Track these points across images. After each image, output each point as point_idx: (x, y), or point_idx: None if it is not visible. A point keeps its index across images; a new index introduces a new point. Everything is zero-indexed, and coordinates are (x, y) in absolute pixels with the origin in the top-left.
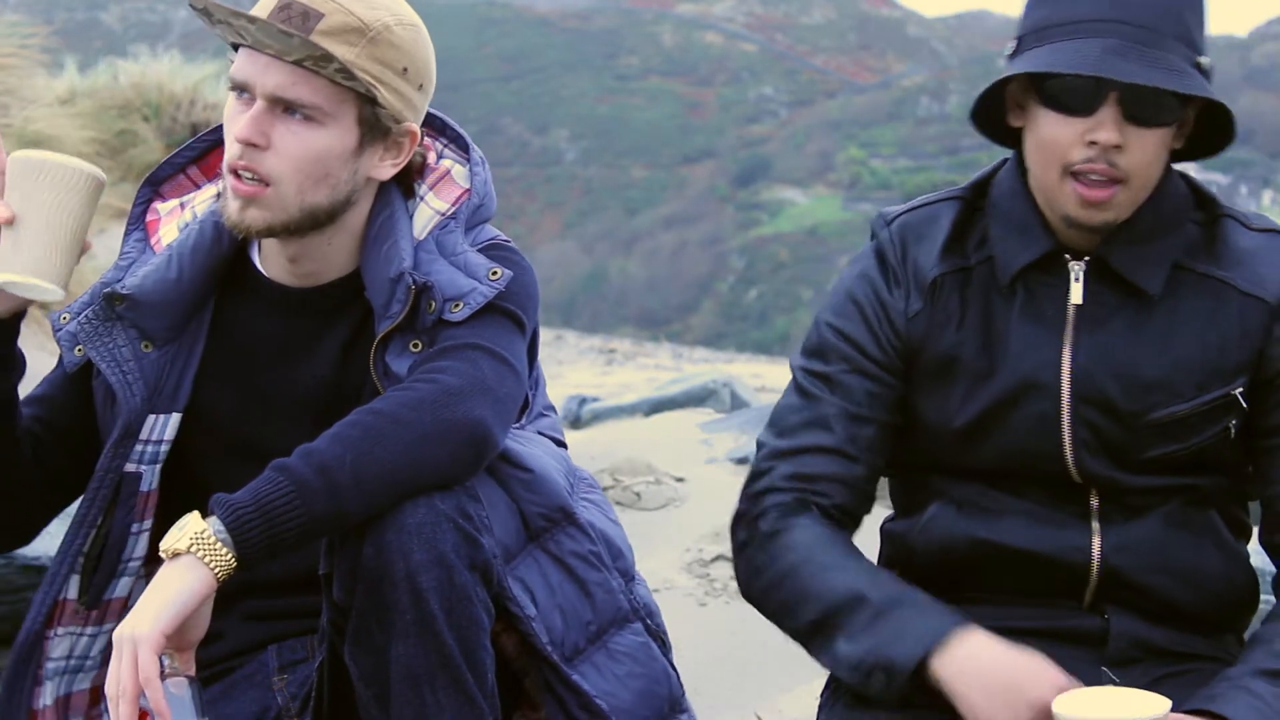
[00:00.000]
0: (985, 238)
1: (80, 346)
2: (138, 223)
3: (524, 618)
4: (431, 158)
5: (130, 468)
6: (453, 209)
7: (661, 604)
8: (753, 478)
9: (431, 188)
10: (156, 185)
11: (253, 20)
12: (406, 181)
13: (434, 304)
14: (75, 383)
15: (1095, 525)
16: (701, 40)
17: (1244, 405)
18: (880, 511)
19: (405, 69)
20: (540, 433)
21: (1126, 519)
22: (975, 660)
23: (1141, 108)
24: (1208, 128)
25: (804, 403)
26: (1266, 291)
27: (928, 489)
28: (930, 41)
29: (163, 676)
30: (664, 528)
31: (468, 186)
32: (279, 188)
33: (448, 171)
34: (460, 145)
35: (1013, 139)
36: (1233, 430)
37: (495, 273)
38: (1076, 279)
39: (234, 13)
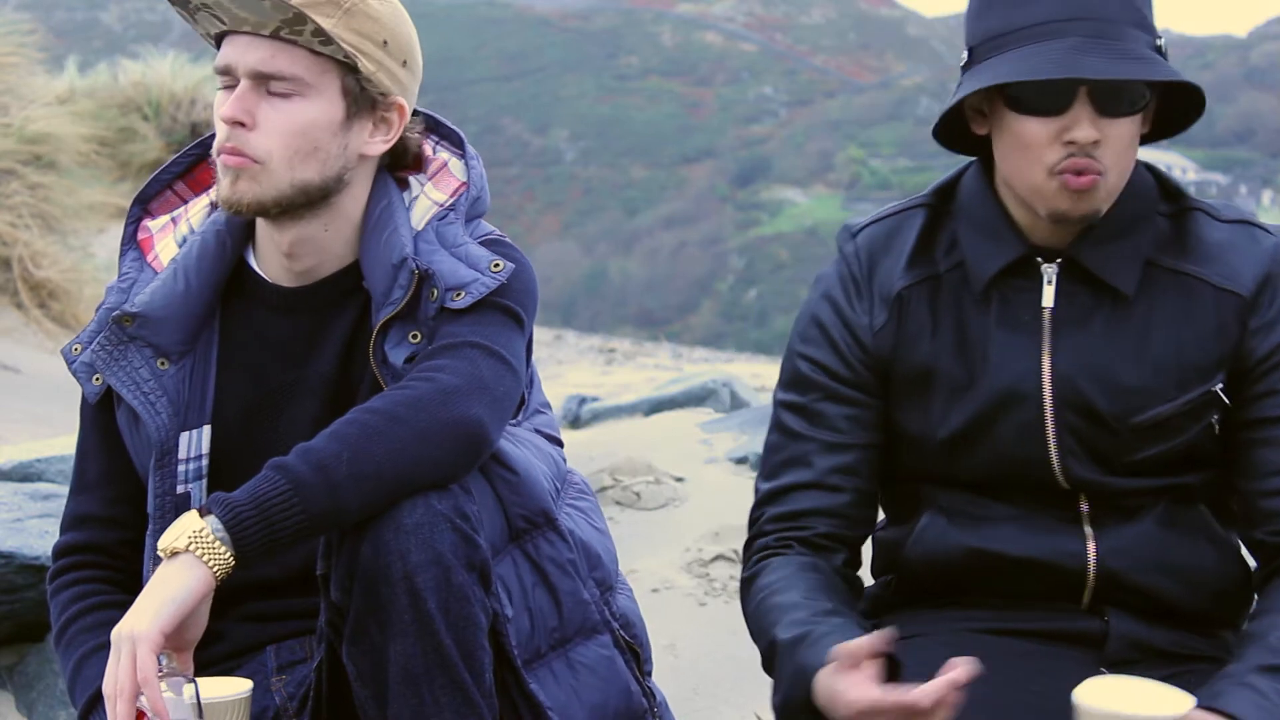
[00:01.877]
0: (954, 243)
1: (98, 375)
2: (131, 242)
3: (503, 617)
4: (427, 150)
5: (180, 489)
6: (451, 200)
7: (661, 604)
8: (750, 524)
9: (430, 179)
10: (145, 203)
11: None
12: (401, 174)
13: (436, 291)
14: (109, 437)
15: (1088, 530)
16: (701, 40)
17: (1225, 401)
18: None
19: (385, 41)
20: (537, 430)
21: (1119, 522)
22: (821, 694)
23: (1112, 100)
24: (1167, 109)
25: (784, 440)
26: (1240, 285)
27: (917, 498)
28: (930, 41)
29: (161, 676)
30: (664, 528)
31: (465, 180)
32: (269, 165)
33: (445, 164)
34: (454, 141)
35: (973, 147)
36: (1216, 425)
37: (497, 265)
38: (1049, 281)
39: None
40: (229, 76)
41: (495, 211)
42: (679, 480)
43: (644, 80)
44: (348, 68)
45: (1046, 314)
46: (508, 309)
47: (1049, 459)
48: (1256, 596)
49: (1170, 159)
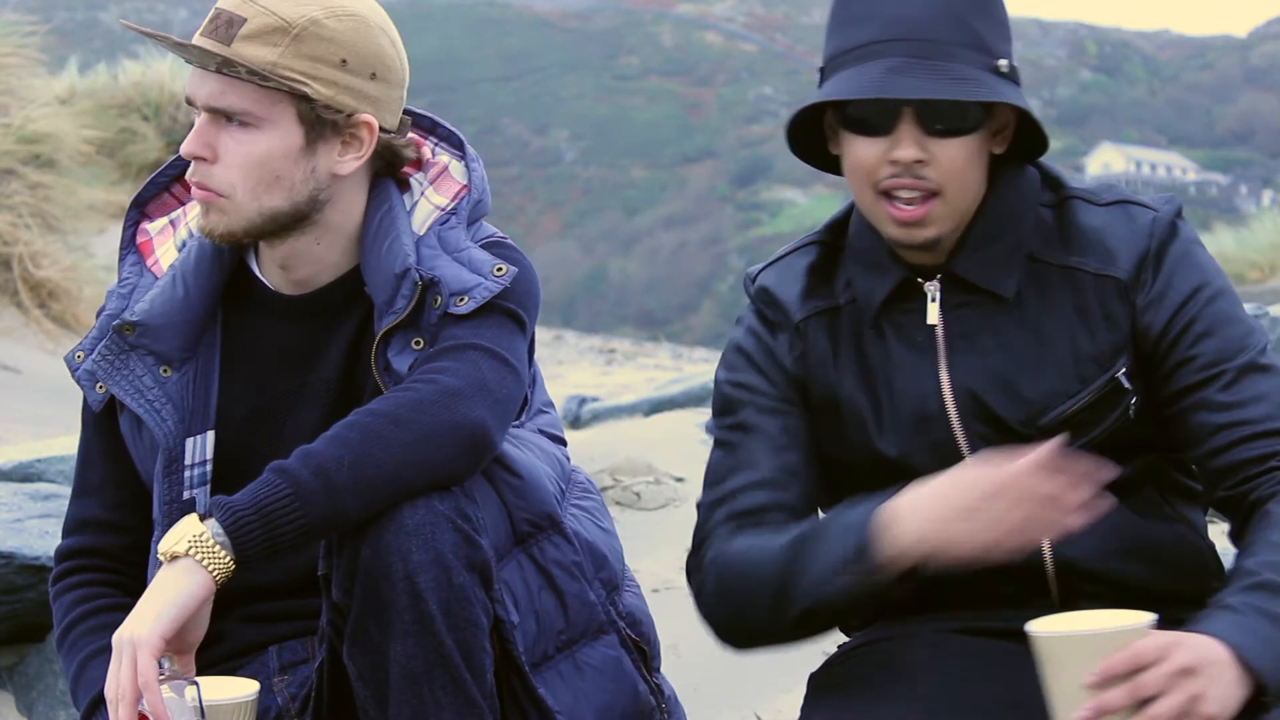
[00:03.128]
0: (846, 280)
1: (101, 384)
2: (130, 246)
3: (507, 622)
4: (426, 153)
5: (186, 494)
6: (453, 204)
7: (661, 604)
8: (696, 534)
9: (431, 183)
10: (142, 206)
11: (180, 44)
12: (399, 175)
13: (439, 299)
14: (111, 442)
15: None
16: (701, 40)
17: (1129, 387)
18: None
19: (344, 60)
20: (540, 430)
21: None
22: (913, 516)
23: (938, 119)
24: (1030, 130)
25: (725, 454)
26: (1118, 269)
27: None
28: None
29: (162, 680)
30: (664, 528)
31: (466, 183)
32: (233, 197)
33: (445, 167)
34: (453, 143)
35: (836, 164)
36: (1132, 410)
37: (500, 269)
38: (932, 299)
39: (170, 40)
40: (191, 105)
41: (495, 211)
42: (679, 480)
43: (644, 80)
44: (300, 96)
45: (938, 332)
46: (510, 311)
47: None
48: (1242, 539)
49: (1170, 159)
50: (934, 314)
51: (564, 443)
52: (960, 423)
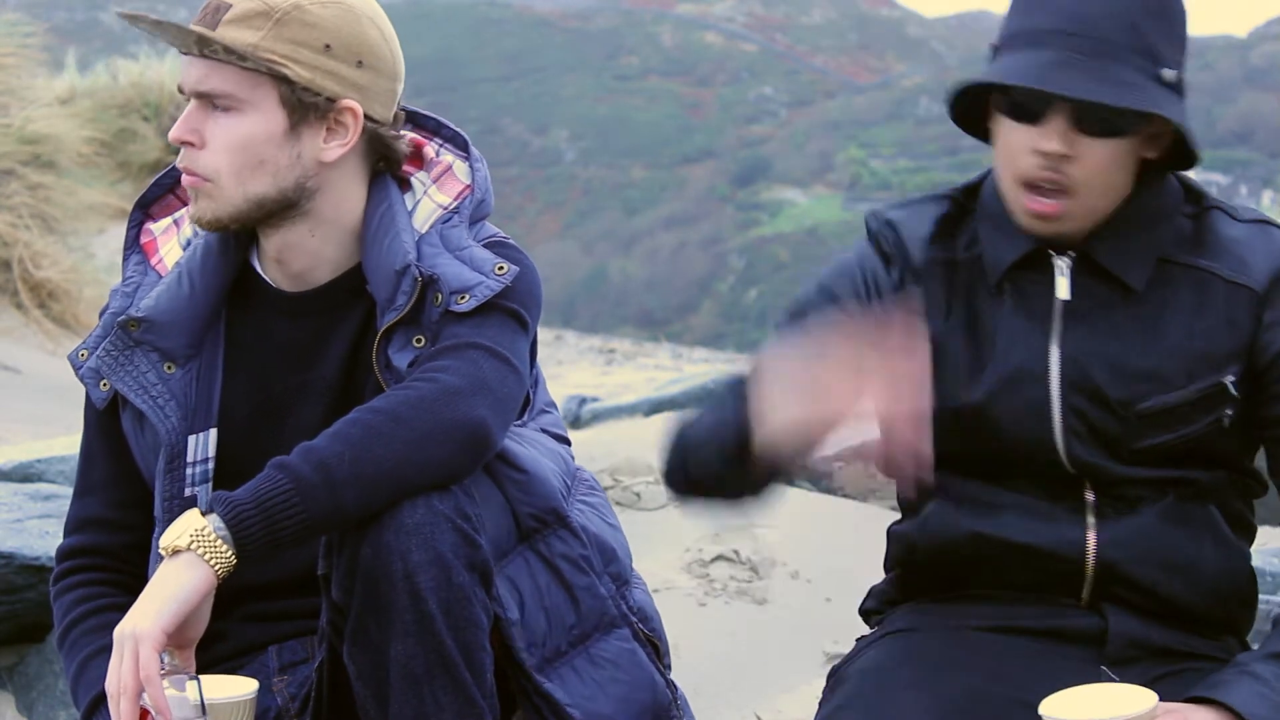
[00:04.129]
0: (975, 238)
1: (105, 381)
2: (133, 246)
3: (505, 620)
4: (430, 152)
5: (188, 492)
6: (455, 203)
7: (661, 604)
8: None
9: (435, 181)
10: (146, 207)
11: (159, 23)
12: (399, 173)
13: (440, 296)
14: (113, 441)
15: (1090, 519)
16: (701, 40)
17: (1235, 394)
18: (890, 515)
19: (327, 45)
20: (543, 429)
21: (1121, 513)
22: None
23: (1090, 119)
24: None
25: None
26: (1251, 279)
27: (928, 486)
28: (930, 42)
29: (164, 675)
30: (664, 528)
31: (469, 183)
32: (219, 182)
33: (449, 166)
34: (458, 143)
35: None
36: (1226, 420)
37: (502, 268)
38: (1062, 274)
39: (149, 20)
40: (182, 93)
41: (495, 211)
42: None
43: (644, 80)
44: (282, 79)
45: (1058, 304)
46: (511, 311)
47: (1054, 440)
48: None
49: None
50: (1064, 288)
51: (568, 442)
52: (1060, 388)
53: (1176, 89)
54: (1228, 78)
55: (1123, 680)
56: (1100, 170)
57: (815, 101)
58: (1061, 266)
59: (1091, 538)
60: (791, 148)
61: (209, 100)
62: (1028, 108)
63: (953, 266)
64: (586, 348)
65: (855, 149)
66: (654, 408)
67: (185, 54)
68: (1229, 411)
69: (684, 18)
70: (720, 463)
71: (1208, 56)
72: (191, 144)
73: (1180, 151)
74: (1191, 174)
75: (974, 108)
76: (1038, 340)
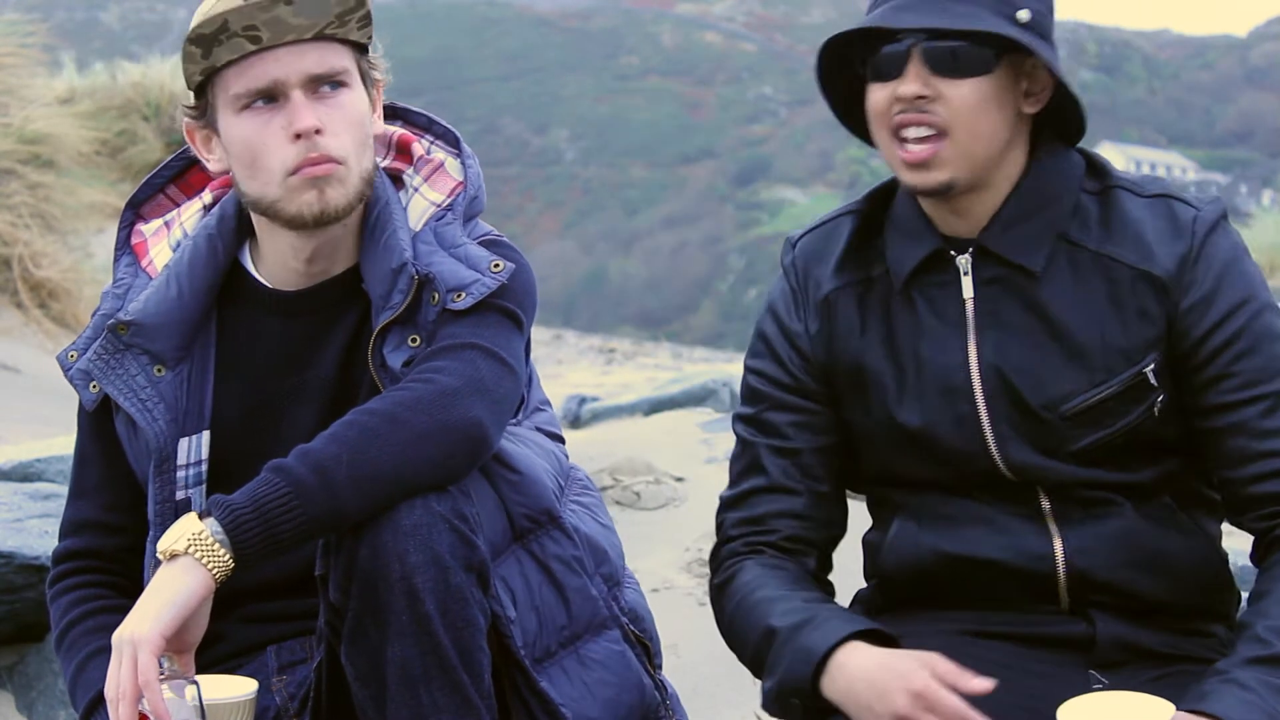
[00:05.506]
0: (882, 250)
1: (95, 383)
2: (124, 247)
3: (504, 618)
4: (419, 149)
5: (180, 495)
6: (449, 200)
7: (661, 604)
8: (716, 533)
9: (426, 179)
10: (137, 207)
11: (273, 5)
12: (393, 169)
13: (437, 295)
14: (107, 444)
15: (1053, 528)
16: (701, 40)
17: (1155, 384)
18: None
19: (369, 15)
20: (538, 428)
21: (1083, 519)
22: (845, 674)
23: (942, 60)
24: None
25: (741, 451)
26: (1156, 265)
27: (890, 503)
28: None
29: (162, 679)
30: (663, 527)
31: (461, 179)
32: (348, 163)
33: (441, 164)
34: (449, 140)
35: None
36: (1158, 409)
37: (498, 265)
38: (965, 272)
39: (260, 4)
40: (261, 96)
41: (494, 211)
42: (679, 480)
43: (644, 80)
44: (361, 51)
45: (969, 305)
46: (507, 310)
47: (989, 450)
48: (1258, 577)
49: (1170, 159)
50: (968, 287)
51: (562, 440)
52: (985, 399)
53: (1036, 30)
54: (1228, 78)
55: (1112, 683)
56: (966, 110)
57: (815, 101)
58: (963, 264)
59: (1059, 547)
60: (791, 147)
61: (314, 86)
62: (886, 65)
63: (866, 284)
64: (586, 347)
65: (855, 149)
66: (654, 407)
67: (281, 46)
68: (1159, 399)
69: (684, 17)
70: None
71: (1208, 56)
72: (320, 131)
73: (1067, 117)
74: (1192, 173)
75: (854, 106)
76: (956, 349)
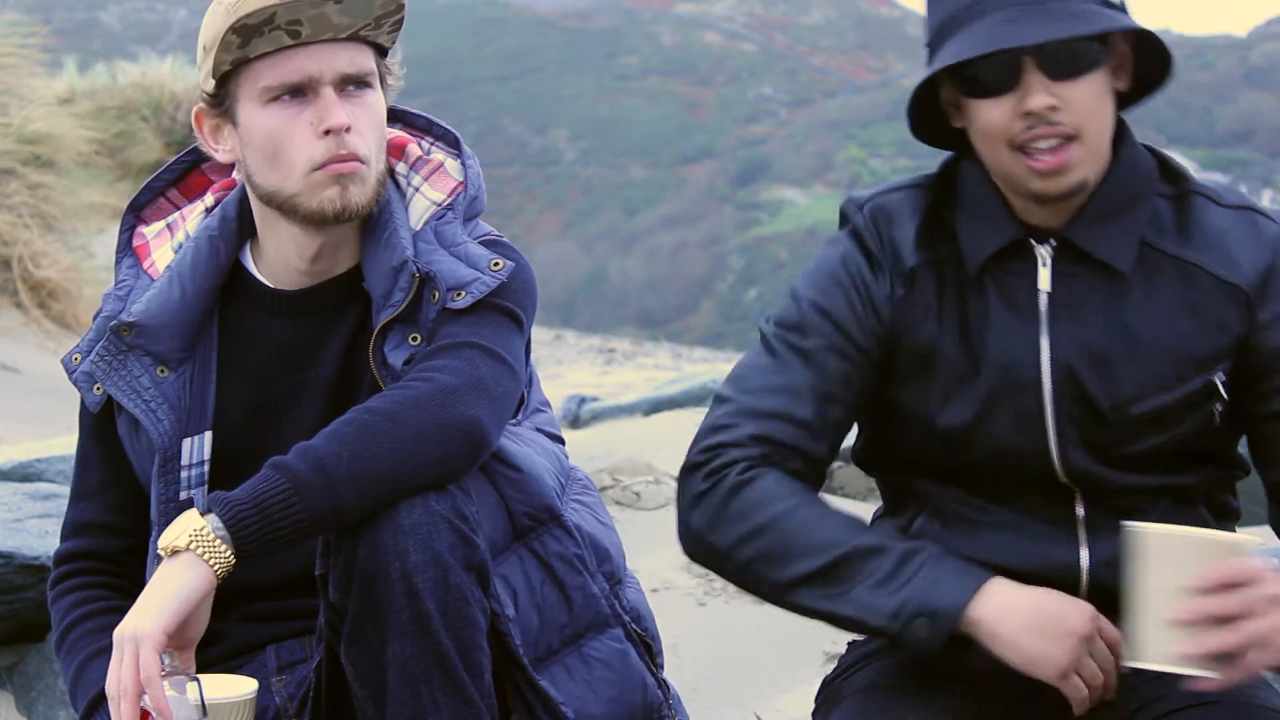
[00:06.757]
0: (954, 231)
1: (98, 385)
2: (126, 249)
3: (503, 617)
4: (417, 149)
5: (183, 495)
6: (449, 200)
7: (661, 604)
8: (712, 430)
9: (426, 179)
10: (138, 210)
11: (323, 2)
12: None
13: (437, 294)
14: (109, 445)
15: (1082, 536)
16: (701, 40)
17: (1225, 394)
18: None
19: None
20: (538, 428)
21: (1114, 530)
22: (1015, 604)
23: (1061, 63)
24: (1148, 61)
25: (776, 366)
26: (1240, 276)
27: (912, 493)
28: None
29: (164, 675)
30: (663, 528)
31: (461, 179)
32: (370, 162)
33: (440, 164)
34: (449, 141)
35: (959, 141)
36: (1217, 417)
37: (497, 264)
38: (1044, 264)
39: (311, 1)
40: (291, 90)
41: (495, 211)
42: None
43: (644, 80)
44: (381, 53)
45: (1043, 297)
46: (507, 309)
47: (1048, 450)
48: None
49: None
50: (1045, 279)
51: (561, 441)
52: (1053, 397)
53: (1122, 6)
54: (1228, 77)
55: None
56: (1091, 108)
57: (815, 101)
58: (1044, 255)
59: (1085, 557)
60: (791, 147)
61: (344, 83)
62: (997, 79)
63: (939, 265)
64: (586, 347)
65: (855, 148)
66: (654, 407)
67: (318, 43)
68: (1219, 408)
69: (684, 17)
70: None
71: (1208, 56)
72: (349, 129)
73: (1145, 78)
74: (1194, 174)
75: (928, 115)
76: (1027, 342)
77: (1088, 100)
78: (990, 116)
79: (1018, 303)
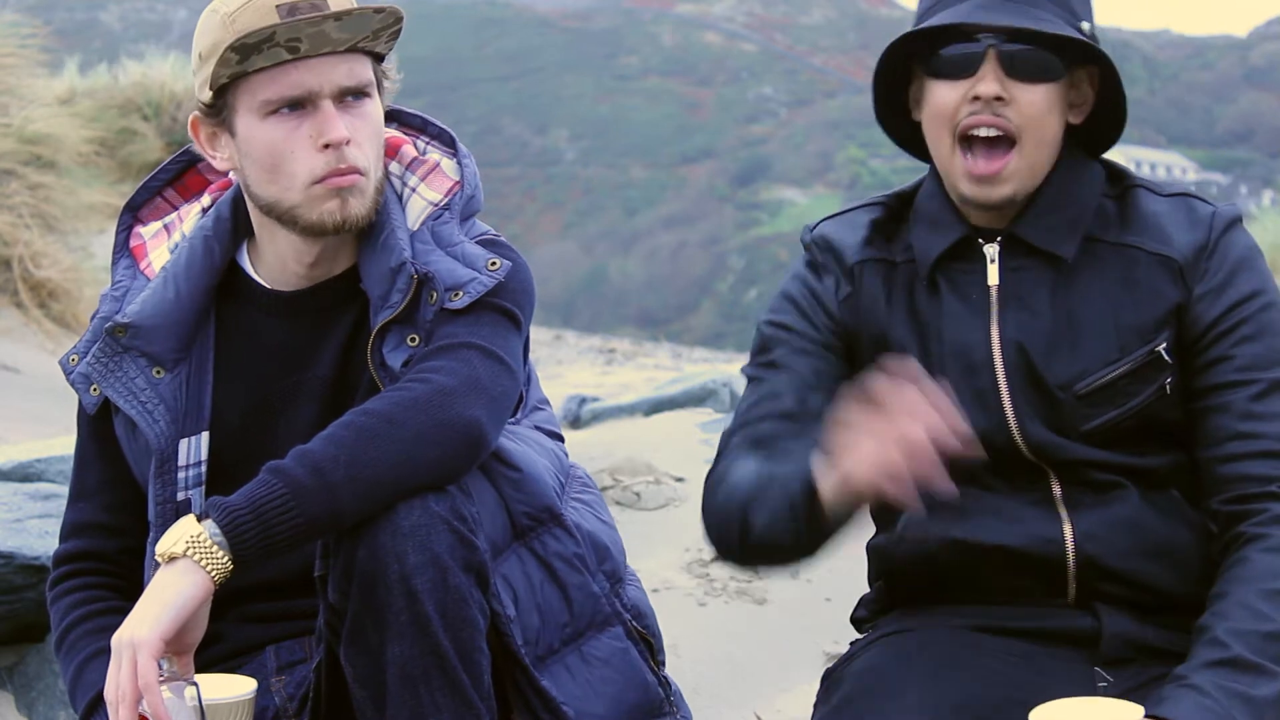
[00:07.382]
0: (905, 237)
1: (95, 386)
2: (123, 250)
3: (504, 617)
4: (413, 150)
5: (180, 496)
6: (445, 200)
7: (661, 604)
8: (715, 459)
9: (423, 179)
10: (135, 210)
11: (322, 20)
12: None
13: (435, 294)
14: (107, 446)
15: (1063, 513)
16: (701, 40)
17: (1169, 361)
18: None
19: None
20: (537, 426)
21: (1092, 505)
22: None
23: (1019, 64)
24: (1108, 117)
25: (755, 387)
26: (1173, 250)
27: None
28: None
29: (162, 681)
30: (664, 528)
31: (458, 179)
32: (369, 174)
33: (437, 164)
34: (444, 140)
35: (917, 141)
36: (1168, 387)
37: (494, 263)
38: (992, 260)
39: (310, 19)
40: (290, 104)
41: (495, 212)
42: (679, 480)
43: (644, 80)
44: (379, 60)
45: (993, 291)
46: (504, 309)
47: (1007, 424)
48: (1217, 576)
49: (1170, 159)
50: (994, 274)
51: (561, 439)
52: (1005, 374)
53: (1093, 39)
54: (1228, 78)
55: (1116, 680)
56: (1037, 115)
57: (815, 101)
58: (991, 252)
59: (1068, 532)
60: (791, 147)
61: (347, 94)
62: (958, 64)
63: (889, 266)
64: (586, 347)
65: (855, 149)
66: (654, 407)
67: (317, 57)
68: (1169, 379)
69: (684, 17)
70: (790, 520)
71: (1208, 56)
72: (349, 142)
73: (1099, 129)
74: (1192, 173)
75: (895, 102)
76: (979, 327)
77: (1035, 105)
78: (943, 98)
79: (970, 297)
